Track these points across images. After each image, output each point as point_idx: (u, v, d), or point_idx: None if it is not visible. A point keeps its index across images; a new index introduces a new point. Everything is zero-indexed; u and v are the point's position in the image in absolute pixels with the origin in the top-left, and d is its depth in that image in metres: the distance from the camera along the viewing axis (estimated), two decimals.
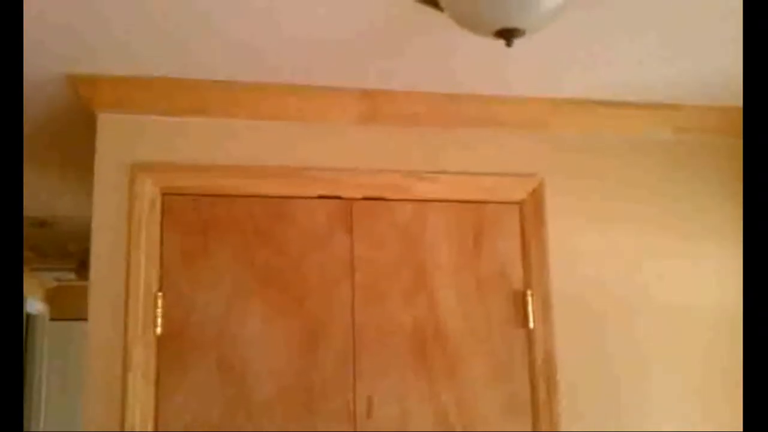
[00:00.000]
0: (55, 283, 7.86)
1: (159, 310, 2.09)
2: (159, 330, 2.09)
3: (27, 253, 5.49)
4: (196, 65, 2.06)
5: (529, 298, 2.30)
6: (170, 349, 2.10)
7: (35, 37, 1.87)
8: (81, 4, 1.71)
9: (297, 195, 2.25)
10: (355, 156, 2.31)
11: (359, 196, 2.28)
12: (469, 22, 1.58)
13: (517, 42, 1.96)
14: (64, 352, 8.04)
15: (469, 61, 2.08)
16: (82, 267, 5.92)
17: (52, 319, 8.12)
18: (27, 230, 4.61)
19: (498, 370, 2.26)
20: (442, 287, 2.28)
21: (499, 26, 1.55)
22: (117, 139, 2.17)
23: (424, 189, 2.31)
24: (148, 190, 2.14)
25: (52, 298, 8.20)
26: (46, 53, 1.97)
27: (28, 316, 7.29)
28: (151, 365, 2.06)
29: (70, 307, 8.15)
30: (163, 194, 2.16)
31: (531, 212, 2.37)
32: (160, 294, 2.10)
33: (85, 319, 2.08)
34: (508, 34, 1.57)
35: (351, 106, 2.28)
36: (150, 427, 2.03)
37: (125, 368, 2.04)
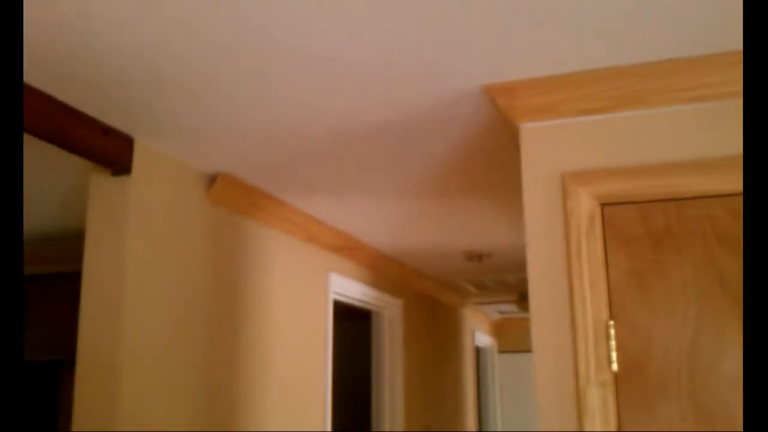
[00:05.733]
0: (499, 316, 8.08)
1: (612, 343, 1.77)
2: (615, 366, 1.76)
3: (469, 288, 5.65)
4: (615, 51, 1.73)
5: None
6: (629, 388, 1.74)
7: (445, 52, 1.74)
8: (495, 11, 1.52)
9: None
10: None
11: None
12: None
13: None
14: (514, 383, 8.18)
15: None
16: (522, 299, 5.91)
17: (500, 352, 8.34)
18: (465, 265, 4.70)
19: None
20: None
21: None
22: (543, 148, 1.93)
23: None
24: (585, 202, 1.84)
25: (497, 331, 8.44)
26: (459, 67, 1.83)
27: (478, 349, 7.56)
28: (608, 407, 1.73)
29: (514, 339, 8.30)
30: (603, 204, 1.84)
31: None
32: (611, 323, 1.78)
33: (529, 351, 1.86)
34: None
35: None
36: None
37: (580, 411, 1.75)
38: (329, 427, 3.64)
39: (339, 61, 1.81)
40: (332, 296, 3.82)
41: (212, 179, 2.71)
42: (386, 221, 3.54)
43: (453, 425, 6.02)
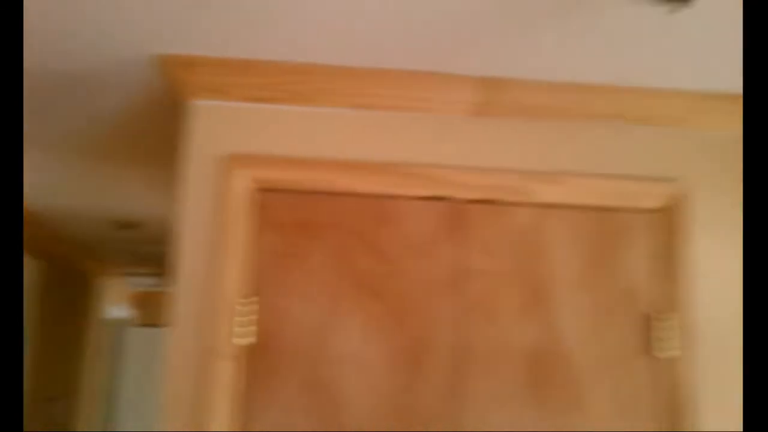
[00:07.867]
0: (144, 289, 7.89)
1: (246, 319, 1.88)
2: (246, 341, 1.87)
3: (115, 258, 5.46)
4: (297, 48, 1.86)
5: (663, 323, 1.99)
6: (259, 363, 1.88)
7: (122, 13, 1.70)
8: None
9: (400, 194, 2.01)
10: (467, 152, 2.06)
11: (470, 197, 2.03)
12: None
13: (658, 27, 1.69)
14: (152, 359, 8.05)
15: (599, 47, 1.80)
16: (168, 273, 5.86)
17: (140, 325, 8.15)
18: (113, 233, 4.55)
19: (626, 404, 1.95)
20: (562, 305, 2.00)
21: None
22: (210, 127, 1.99)
23: (544, 191, 2.04)
24: (243, 184, 1.94)
25: (139, 303, 8.24)
26: (134, 32, 1.80)
27: (117, 321, 7.32)
28: (235, 381, 1.85)
29: (157, 312, 8.18)
30: (260, 189, 1.95)
31: (668, 222, 2.06)
32: (249, 301, 1.89)
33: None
34: None
35: (464, 95, 2.03)
36: None
37: (207, 384, 1.83)
38: None
39: None
40: None
41: None
42: (32, 176, 3.29)
43: (79, 396, 5.76)
